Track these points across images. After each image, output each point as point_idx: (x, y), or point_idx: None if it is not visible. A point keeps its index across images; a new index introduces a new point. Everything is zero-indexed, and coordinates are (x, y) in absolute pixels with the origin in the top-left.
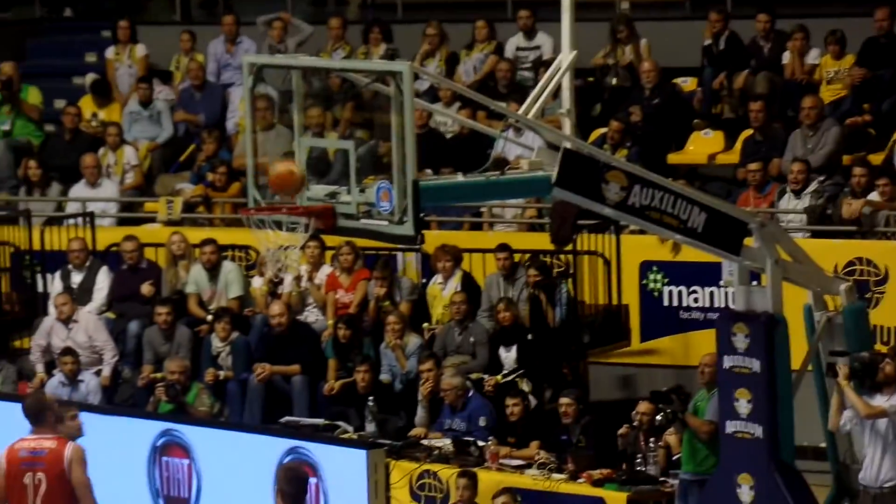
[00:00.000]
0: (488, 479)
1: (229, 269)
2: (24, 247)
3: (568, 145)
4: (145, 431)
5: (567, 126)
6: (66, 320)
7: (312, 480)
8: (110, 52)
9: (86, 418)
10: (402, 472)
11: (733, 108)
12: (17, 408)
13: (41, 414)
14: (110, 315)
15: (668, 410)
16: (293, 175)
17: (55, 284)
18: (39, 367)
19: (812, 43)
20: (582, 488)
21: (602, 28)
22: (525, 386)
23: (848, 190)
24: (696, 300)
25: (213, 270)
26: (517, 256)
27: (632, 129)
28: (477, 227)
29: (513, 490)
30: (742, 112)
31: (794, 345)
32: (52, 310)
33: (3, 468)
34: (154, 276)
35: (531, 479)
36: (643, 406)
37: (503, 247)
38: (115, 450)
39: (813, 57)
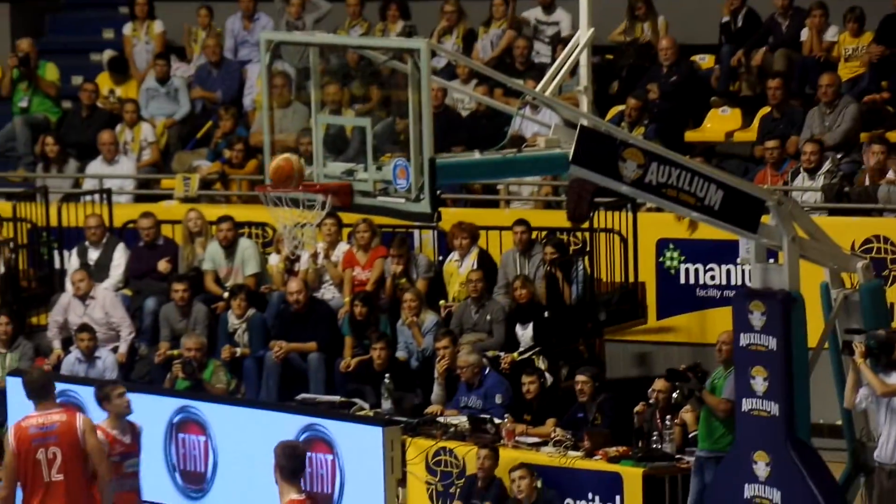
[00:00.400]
0: (505, 456)
1: (246, 246)
2: (42, 223)
3: (585, 123)
4: (162, 408)
5: (584, 103)
6: (84, 297)
7: (328, 457)
8: (128, 29)
9: None
10: (418, 449)
11: (751, 85)
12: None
13: (46, 388)
14: (127, 292)
15: (685, 388)
16: (289, 163)
17: (72, 261)
18: (56, 344)
19: (830, 20)
20: (598, 465)
21: (620, 5)
22: (541, 363)
23: (865, 167)
24: (712, 278)
25: (229, 247)
26: (533, 234)
27: (649, 107)
28: (493, 204)
29: (529, 465)
30: (760, 89)
31: (810, 322)
32: (69, 286)
33: (14, 447)
34: (171, 253)
35: (547, 457)
36: (659, 384)
37: (521, 221)
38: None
39: (831, 34)
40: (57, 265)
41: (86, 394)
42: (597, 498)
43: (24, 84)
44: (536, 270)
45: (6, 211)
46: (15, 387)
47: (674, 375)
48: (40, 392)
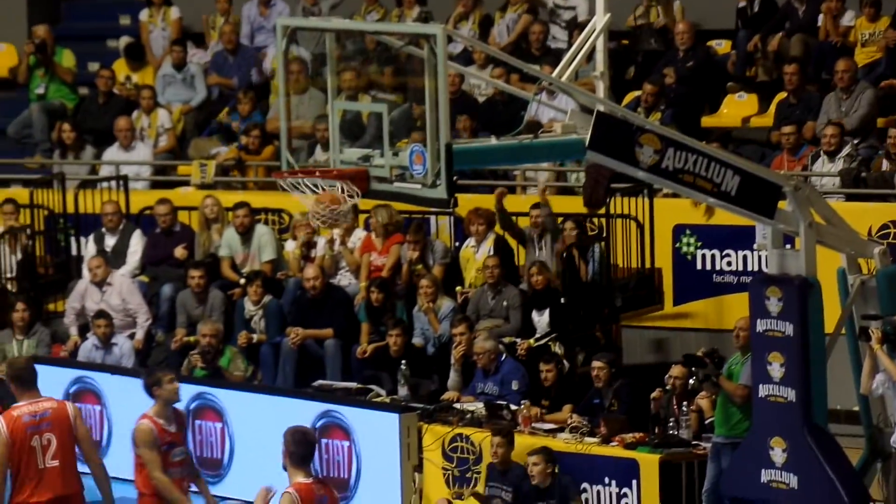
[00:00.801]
0: (521, 442)
1: (262, 232)
2: (59, 210)
3: (601, 108)
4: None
5: (600, 89)
6: (100, 283)
7: (345, 444)
8: (144, 15)
9: (118, 381)
10: (434, 435)
11: (767, 70)
12: (50, 371)
13: (33, 376)
14: (143, 278)
15: (701, 373)
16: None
17: (89, 247)
18: (73, 330)
19: (847, 5)
20: (615, 451)
21: None
22: (558, 350)
23: (882, 152)
24: (729, 263)
25: (246, 234)
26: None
27: (665, 92)
28: (510, 190)
29: (547, 450)
30: (776, 75)
31: (827, 308)
32: (86, 273)
33: (6, 436)
34: (187, 240)
35: (564, 443)
36: (676, 370)
37: (538, 205)
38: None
39: (848, 19)
40: (74, 252)
41: (102, 380)
42: (613, 483)
43: (41, 71)
44: (552, 253)
45: (23, 197)
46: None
47: (691, 361)
48: (29, 380)
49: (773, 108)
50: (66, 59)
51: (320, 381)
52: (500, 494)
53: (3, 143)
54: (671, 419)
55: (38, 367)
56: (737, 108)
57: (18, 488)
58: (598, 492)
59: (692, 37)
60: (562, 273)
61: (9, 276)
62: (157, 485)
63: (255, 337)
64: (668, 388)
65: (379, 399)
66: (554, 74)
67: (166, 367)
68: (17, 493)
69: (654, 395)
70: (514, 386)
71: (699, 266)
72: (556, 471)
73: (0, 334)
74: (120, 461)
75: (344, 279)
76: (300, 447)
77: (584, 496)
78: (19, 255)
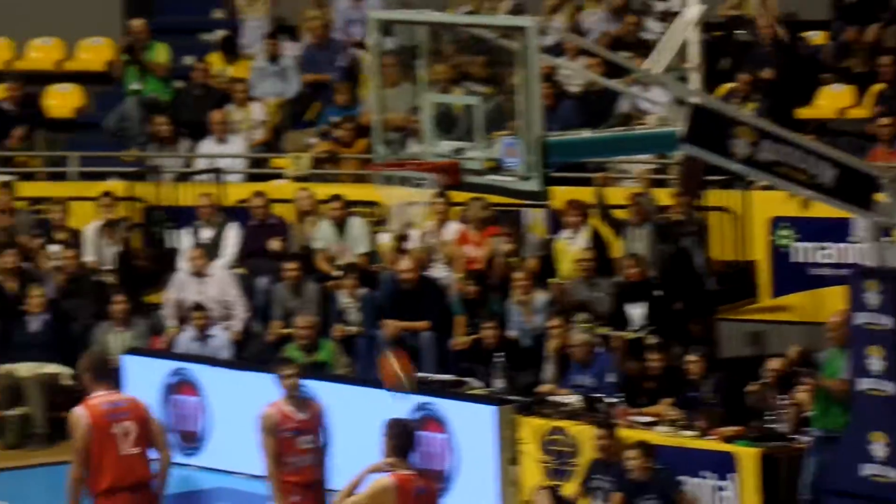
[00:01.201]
0: (619, 435)
1: (357, 224)
2: (155, 203)
3: (695, 100)
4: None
5: (694, 81)
6: (199, 275)
7: (441, 436)
8: (238, 8)
9: (215, 373)
10: (531, 428)
11: (864, 61)
12: (148, 363)
13: (110, 369)
14: (239, 271)
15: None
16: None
17: (185, 240)
18: (171, 322)
19: None
20: (712, 445)
21: None
22: (653, 342)
23: None
24: (826, 256)
25: (340, 226)
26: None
27: (760, 84)
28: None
29: (646, 444)
30: (873, 66)
31: None
32: (183, 265)
33: (89, 423)
34: (282, 232)
35: (661, 436)
36: (774, 363)
37: (639, 195)
38: (245, 405)
39: None
40: (170, 244)
41: (200, 372)
42: (711, 477)
43: (136, 66)
44: (648, 244)
45: (120, 190)
46: (133, 364)
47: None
48: (107, 371)
49: (869, 99)
50: (160, 53)
51: (416, 374)
52: (603, 487)
53: (100, 136)
54: (769, 412)
55: (137, 359)
56: (832, 100)
57: (99, 474)
58: (696, 485)
59: (787, 28)
60: (658, 265)
61: (107, 268)
62: (267, 470)
63: (351, 329)
64: (765, 381)
65: (475, 391)
66: (647, 66)
67: (288, 360)
68: (99, 480)
69: (751, 388)
70: (610, 378)
71: (796, 258)
72: (654, 464)
73: (99, 327)
74: (219, 451)
75: (439, 271)
76: (400, 438)
77: (683, 488)
78: (117, 248)
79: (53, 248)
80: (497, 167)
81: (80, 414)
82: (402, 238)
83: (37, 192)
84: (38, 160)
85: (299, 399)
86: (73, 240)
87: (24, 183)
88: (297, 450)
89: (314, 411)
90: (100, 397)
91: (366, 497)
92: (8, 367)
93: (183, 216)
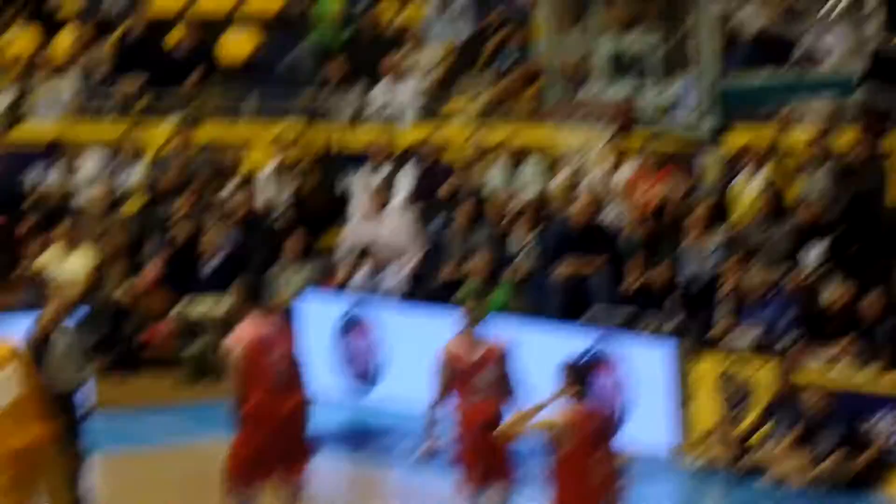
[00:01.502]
0: (797, 375)
1: (529, 167)
2: (329, 146)
3: (875, 43)
4: (446, 327)
5: (873, 23)
6: (372, 217)
7: (614, 375)
8: None
9: (388, 313)
10: (705, 368)
11: None
12: (325, 302)
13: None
14: (411, 213)
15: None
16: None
17: (358, 183)
18: (345, 263)
19: None
20: (893, 385)
21: None
22: (831, 282)
23: None
24: None
25: (513, 169)
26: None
27: None
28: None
29: (820, 384)
30: None
31: None
32: (357, 207)
33: (247, 349)
34: (454, 176)
35: (840, 375)
36: None
37: (820, 134)
38: (417, 344)
39: None
40: (343, 188)
41: (373, 312)
42: (891, 416)
43: (311, 10)
44: (824, 185)
45: (294, 134)
46: (307, 304)
47: None
48: (260, 301)
49: None
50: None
51: (589, 313)
52: (780, 425)
53: (274, 80)
54: None
55: (311, 299)
56: None
57: (251, 404)
58: (875, 424)
59: None
60: (837, 207)
61: (282, 209)
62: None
63: (524, 270)
64: None
65: (648, 331)
66: (826, 9)
67: (466, 298)
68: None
69: None
70: (787, 319)
71: None
72: (830, 404)
73: (274, 268)
74: (391, 389)
75: (612, 213)
76: (576, 377)
77: (861, 428)
78: (291, 190)
79: (228, 190)
80: (671, 110)
81: (233, 345)
82: (575, 180)
83: (212, 134)
84: (212, 104)
85: (475, 338)
86: (248, 182)
87: (200, 126)
88: (472, 388)
89: (491, 350)
90: (248, 329)
91: (545, 425)
92: (185, 306)
93: (356, 160)
